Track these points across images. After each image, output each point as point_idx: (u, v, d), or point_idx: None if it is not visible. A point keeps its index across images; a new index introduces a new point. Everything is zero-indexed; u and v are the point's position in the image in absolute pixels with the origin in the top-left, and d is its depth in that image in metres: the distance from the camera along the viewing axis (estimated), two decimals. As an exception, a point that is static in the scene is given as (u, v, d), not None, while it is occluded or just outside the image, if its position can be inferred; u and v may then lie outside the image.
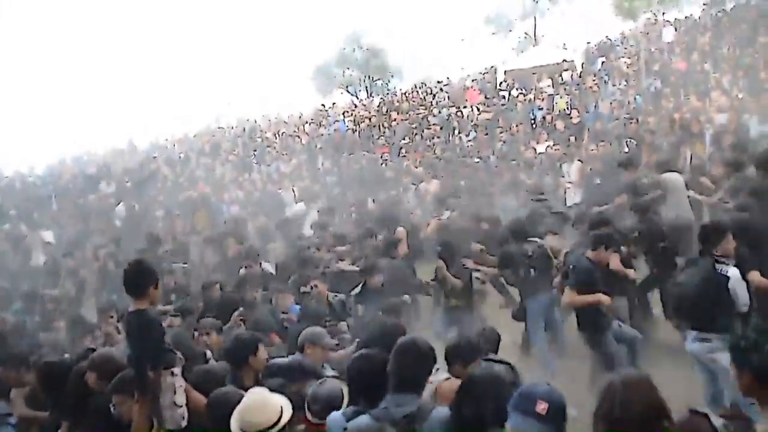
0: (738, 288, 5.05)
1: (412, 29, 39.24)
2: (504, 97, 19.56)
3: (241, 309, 6.91)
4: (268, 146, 21.17)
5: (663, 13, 25.23)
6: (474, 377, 3.16)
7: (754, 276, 5.35)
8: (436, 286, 8.27)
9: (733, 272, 5.07)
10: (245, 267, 8.77)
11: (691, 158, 11.26)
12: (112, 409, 4.10)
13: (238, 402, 3.51)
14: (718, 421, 2.46)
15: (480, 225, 9.59)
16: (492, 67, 24.35)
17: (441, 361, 4.00)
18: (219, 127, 26.40)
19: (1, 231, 15.45)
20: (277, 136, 22.77)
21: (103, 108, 40.67)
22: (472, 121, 18.25)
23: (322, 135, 21.05)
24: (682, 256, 7.47)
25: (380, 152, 17.32)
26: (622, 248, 7.16)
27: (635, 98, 16.81)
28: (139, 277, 4.07)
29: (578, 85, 18.84)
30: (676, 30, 22.17)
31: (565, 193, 12.08)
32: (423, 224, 10.85)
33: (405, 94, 24.96)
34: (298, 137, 21.50)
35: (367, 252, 9.02)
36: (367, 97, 31.59)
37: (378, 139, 18.88)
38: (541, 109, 17.55)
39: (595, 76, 19.26)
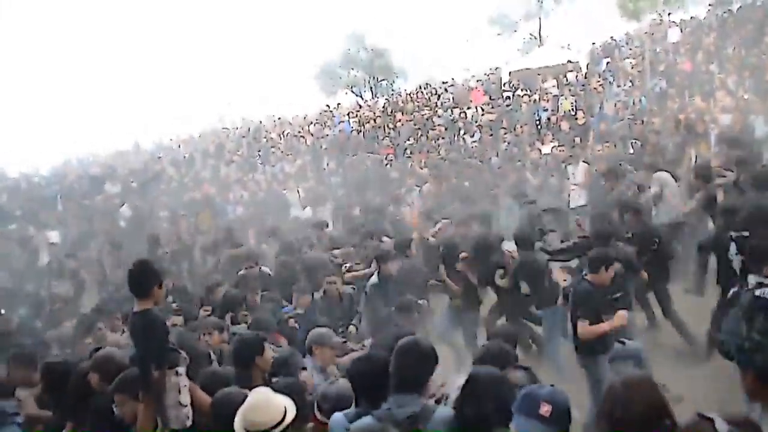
0: None
1: (417, 30, 39.13)
2: (509, 98, 19.53)
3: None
4: (272, 147, 21.19)
5: (668, 14, 25.14)
6: (476, 377, 3.16)
7: None
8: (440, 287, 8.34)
9: None
10: (245, 268, 8.80)
11: (696, 159, 11.23)
12: (114, 409, 4.11)
13: (242, 402, 3.52)
14: (723, 427, 2.45)
15: (470, 229, 9.50)
16: (497, 67, 24.33)
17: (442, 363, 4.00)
18: (224, 128, 26.46)
19: (8, 231, 15.48)
20: (281, 136, 22.81)
21: (108, 109, 40.73)
22: (476, 122, 18.24)
23: (327, 136, 21.07)
24: (673, 257, 7.53)
25: (385, 153, 17.32)
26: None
27: (640, 99, 16.77)
28: (143, 278, 4.07)
29: (583, 85, 18.80)
30: (681, 30, 22.09)
31: (569, 195, 12.04)
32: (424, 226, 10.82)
33: (410, 94, 24.95)
34: (303, 138, 21.53)
35: (368, 253, 9.02)
36: (372, 97, 31.61)
37: (383, 139, 18.88)
38: (546, 110, 17.52)
39: (600, 76, 19.22)
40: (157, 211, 15.94)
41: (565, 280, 7.43)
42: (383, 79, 33.77)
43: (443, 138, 17.38)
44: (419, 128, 18.69)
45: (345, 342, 6.62)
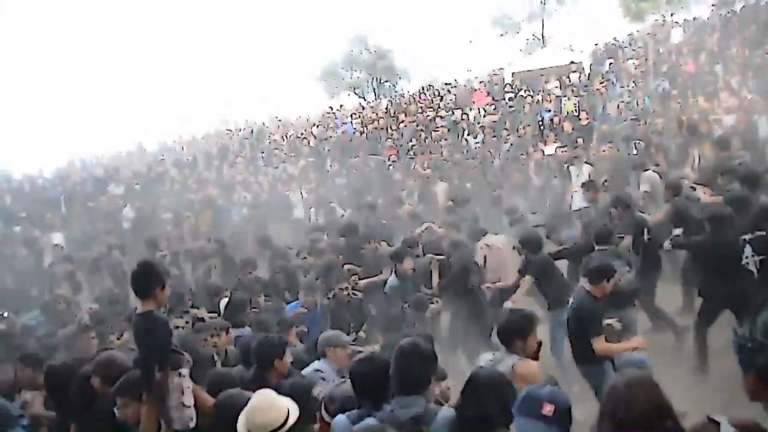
0: None
1: (419, 31, 39.22)
2: (511, 99, 19.53)
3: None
4: (275, 148, 21.21)
5: (671, 14, 25.14)
6: (476, 378, 3.16)
7: None
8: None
9: None
10: (245, 273, 8.84)
11: (699, 159, 11.22)
12: (116, 412, 4.13)
13: (245, 404, 3.52)
14: (729, 430, 2.45)
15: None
16: (500, 68, 24.34)
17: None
18: (227, 130, 26.48)
19: (12, 233, 15.51)
20: (284, 138, 22.83)
21: (111, 110, 40.83)
22: (479, 123, 18.24)
23: (329, 137, 21.08)
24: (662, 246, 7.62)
25: (388, 154, 17.32)
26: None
27: (643, 100, 16.76)
28: (145, 279, 4.09)
29: (586, 86, 18.80)
30: (684, 31, 22.08)
31: (572, 197, 12.03)
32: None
33: (412, 96, 24.98)
34: (306, 139, 21.54)
35: (368, 258, 9.01)
36: (375, 99, 31.64)
37: (385, 141, 18.89)
38: (549, 111, 17.50)
39: (602, 77, 19.20)
40: (160, 213, 15.96)
41: None
42: (386, 81, 33.79)
43: (446, 139, 17.38)
44: (422, 129, 18.69)
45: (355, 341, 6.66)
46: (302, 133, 22.77)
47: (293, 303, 7.84)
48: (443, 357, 4.67)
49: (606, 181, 11.14)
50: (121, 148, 27.85)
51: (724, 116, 13.35)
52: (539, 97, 18.76)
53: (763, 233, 6.17)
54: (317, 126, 23.65)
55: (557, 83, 19.85)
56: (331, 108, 26.28)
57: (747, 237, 6.18)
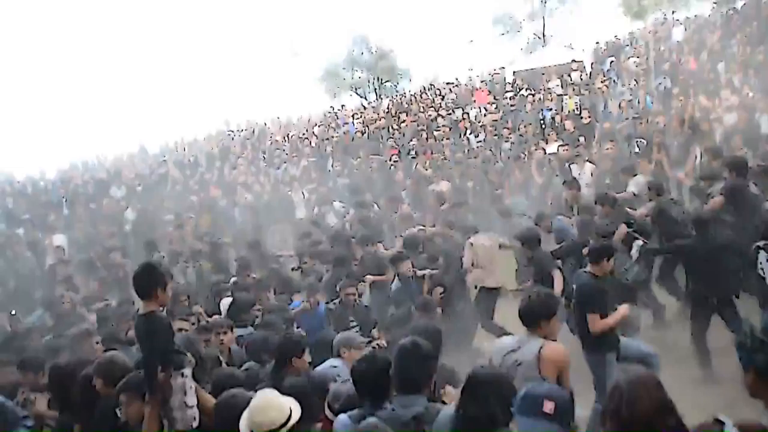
0: None
1: (420, 30, 39.31)
2: (513, 98, 19.52)
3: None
4: (277, 149, 21.22)
5: (672, 12, 25.14)
6: (477, 377, 3.16)
7: None
8: None
9: None
10: (244, 276, 8.86)
11: (701, 157, 11.22)
12: (117, 413, 4.13)
13: (247, 403, 3.53)
14: (732, 431, 2.46)
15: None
16: (501, 67, 24.33)
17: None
18: (228, 130, 26.48)
19: (15, 235, 15.53)
20: (286, 138, 22.84)
21: (113, 112, 40.97)
22: (480, 122, 18.23)
23: (332, 137, 21.08)
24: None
25: (389, 154, 17.33)
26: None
27: (645, 98, 16.74)
28: (146, 279, 4.09)
29: (587, 85, 18.77)
30: (685, 29, 22.06)
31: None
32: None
33: (414, 95, 24.96)
34: (307, 140, 21.54)
35: (368, 261, 9.01)
36: (376, 98, 31.63)
37: (387, 140, 18.90)
38: (551, 109, 17.50)
39: (604, 76, 19.18)
40: (162, 214, 15.97)
41: None
42: (387, 80, 33.80)
43: (448, 138, 17.38)
44: (423, 129, 18.69)
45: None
46: (304, 134, 22.78)
47: (296, 303, 7.86)
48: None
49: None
50: (122, 149, 27.89)
51: (726, 114, 13.34)
52: (540, 96, 18.75)
53: None
54: (319, 126, 23.65)
55: (558, 82, 19.83)
56: (333, 108, 26.29)
57: (760, 244, 6.20)
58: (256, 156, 21.17)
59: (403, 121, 20.10)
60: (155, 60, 43.81)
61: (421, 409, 3.23)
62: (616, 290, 6.29)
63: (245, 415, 3.45)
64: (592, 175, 11.97)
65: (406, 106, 22.63)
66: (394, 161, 16.55)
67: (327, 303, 7.78)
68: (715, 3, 23.54)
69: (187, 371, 4.05)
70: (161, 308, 4.23)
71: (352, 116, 23.70)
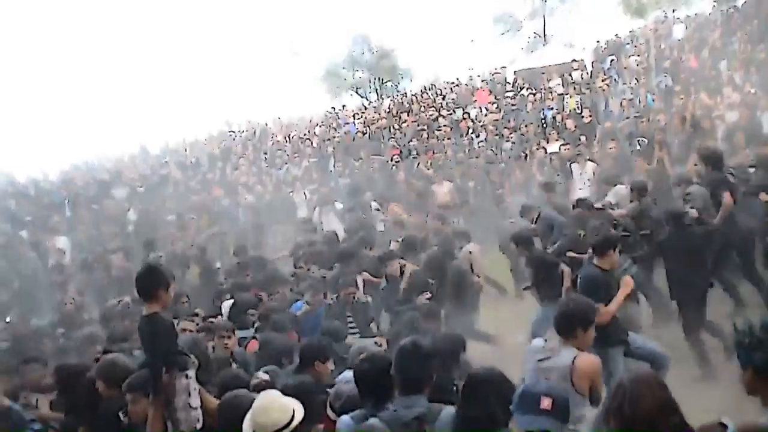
0: None
1: (421, 30, 39.25)
2: (514, 97, 19.51)
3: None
4: (278, 149, 21.23)
5: (673, 11, 25.09)
6: (476, 377, 3.17)
7: None
8: None
9: None
10: (244, 277, 8.87)
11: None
12: (121, 416, 4.15)
13: (250, 404, 3.55)
14: None
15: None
16: (502, 67, 24.31)
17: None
18: (230, 131, 26.48)
19: (18, 236, 15.55)
20: (287, 138, 22.84)
21: (115, 113, 40.99)
22: (480, 122, 18.23)
23: (333, 137, 21.08)
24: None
25: (390, 154, 17.33)
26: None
27: (646, 96, 16.73)
28: (148, 281, 4.10)
29: (588, 84, 18.76)
30: (686, 27, 22.02)
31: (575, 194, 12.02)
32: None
33: (415, 95, 24.94)
34: (309, 140, 21.55)
35: (365, 263, 9.02)
36: (377, 98, 31.61)
37: (388, 140, 18.89)
38: (551, 108, 17.50)
39: (605, 74, 19.16)
40: (164, 215, 15.98)
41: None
42: (388, 80, 33.76)
43: (449, 138, 17.38)
44: (424, 129, 18.68)
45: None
46: (305, 134, 22.76)
47: (298, 303, 7.86)
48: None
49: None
50: (124, 150, 27.90)
51: (727, 112, 13.33)
52: (541, 95, 18.74)
53: None
54: (320, 126, 23.65)
55: (559, 81, 19.80)
56: (334, 108, 26.26)
57: None
58: (257, 156, 21.18)
59: (404, 121, 20.09)
60: (156, 61, 43.79)
61: (422, 410, 3.24)
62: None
63: (248, 416, 3.47)
64: (593, 174, 11.97)
65: (407, 105, 22.61)
66: (396, 161, 16.55)
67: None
68: (715, 1, 23.51)
69: (191, 372, 4.06)
70: (164, 309, 4.24)
71: (353, 116, 23.69)
